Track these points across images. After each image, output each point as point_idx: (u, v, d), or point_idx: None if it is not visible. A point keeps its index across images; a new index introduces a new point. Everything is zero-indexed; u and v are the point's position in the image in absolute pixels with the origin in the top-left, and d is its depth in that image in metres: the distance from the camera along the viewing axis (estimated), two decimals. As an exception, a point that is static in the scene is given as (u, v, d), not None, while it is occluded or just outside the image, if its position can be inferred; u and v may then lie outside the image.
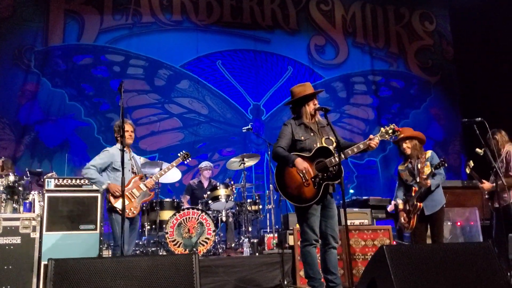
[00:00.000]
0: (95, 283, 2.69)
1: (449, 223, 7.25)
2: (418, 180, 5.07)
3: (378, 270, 3.00)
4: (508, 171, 5.34)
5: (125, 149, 4.47)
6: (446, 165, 4.99)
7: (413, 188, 5.13)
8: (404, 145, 5.23)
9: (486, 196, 5.73)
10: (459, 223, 7.31)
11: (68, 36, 9.31)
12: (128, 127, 5.09)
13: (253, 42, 10.51)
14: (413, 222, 5.08)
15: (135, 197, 4.91)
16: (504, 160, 5.41)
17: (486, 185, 5.46)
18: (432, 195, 5.08)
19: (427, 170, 5.03)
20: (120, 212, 4.66)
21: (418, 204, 5.03)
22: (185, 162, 5.69)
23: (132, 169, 5.11)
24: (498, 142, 5.48)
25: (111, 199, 4.85)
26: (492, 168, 5.21)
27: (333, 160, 4.19)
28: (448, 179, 8.93)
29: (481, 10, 10.18)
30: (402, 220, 5.22)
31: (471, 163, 5.48)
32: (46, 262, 3.69)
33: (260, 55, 10.46)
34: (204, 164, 7.99)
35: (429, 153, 5.17)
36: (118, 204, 4.77)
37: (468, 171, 5.54)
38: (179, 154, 5.54)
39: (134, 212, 4.92)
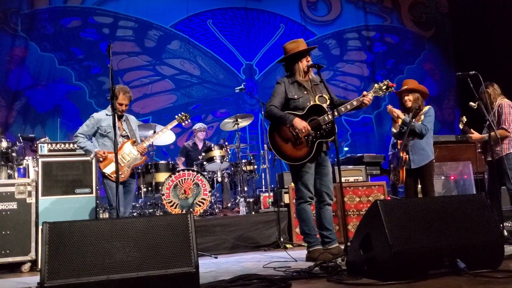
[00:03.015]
0: (91, 245, 2.70)
1: (442, 177, 7.33)
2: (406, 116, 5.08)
3: (372, 224, 3.02)
4: (499, 124, 5.35)
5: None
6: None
7: (399, 141, 5.12)
8: (406, 97, 5.17)
9: (479, 150, 5.76)
10: (452, 177, 7.38)
11: (54, -2, 9.11)
12: (124, 100, 4.94)
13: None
14: (402, 175, 5.09)
15: (124, 162, 4.89)
16: (496, 113, 5.41)
17: (475, 135, 5.49)
18: (420, 148, 5.06)
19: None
20: (109, 177, 4.84)
21: (404, 156, 5.04)
22: (183, 124, 5.55)
23: (123, 133, 5.06)
24: (490, 95, 5.45)
25: (100, 164, 4.87)
26: (485, 121, 5.21)
27: (326, 118, 4.17)
28: (442, 134, 9.00)
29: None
30: (391, 175, 5.27)
31: (464, 119, 5.48)
32: (42, 226, 3.71)
33: (251, 13, 10.26)
34: (198, 125, 7.96)
35: (427, 108, 5.15)
36: (106, 170, 4.83)
37: (461, 126, 5.54)
38: (176, 117, 5.38)
39: (122, 176, 4.89)
